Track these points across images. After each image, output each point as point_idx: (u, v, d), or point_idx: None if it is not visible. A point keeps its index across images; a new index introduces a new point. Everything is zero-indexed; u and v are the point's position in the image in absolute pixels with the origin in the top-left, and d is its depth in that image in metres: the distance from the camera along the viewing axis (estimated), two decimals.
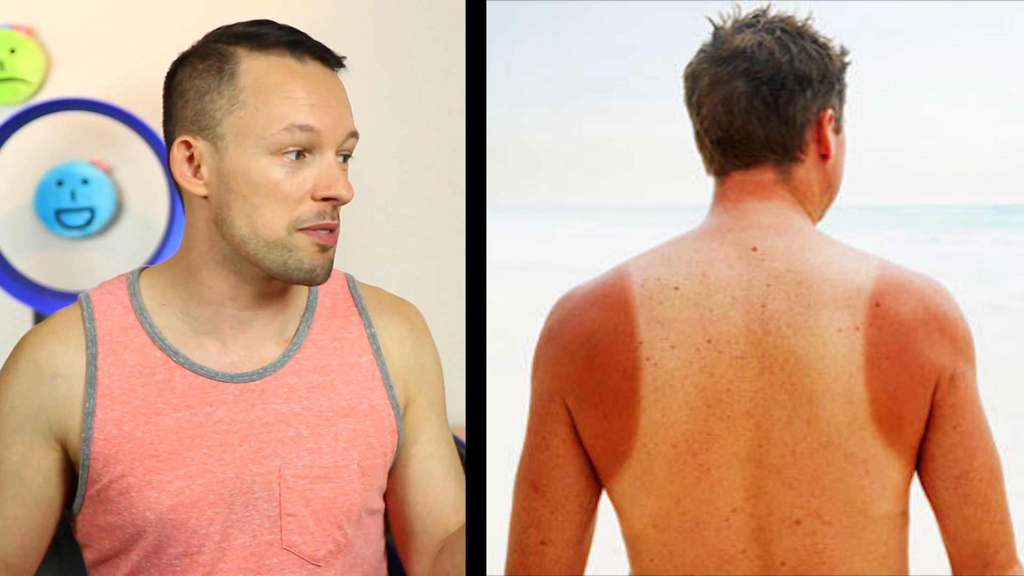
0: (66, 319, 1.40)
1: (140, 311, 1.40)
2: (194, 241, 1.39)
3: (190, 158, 1.36)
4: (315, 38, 1.40)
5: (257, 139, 1.33)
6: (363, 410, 1.44)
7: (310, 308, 1.46)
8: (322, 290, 1.48)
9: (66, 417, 1.37)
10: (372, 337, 1.48)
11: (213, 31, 1.39)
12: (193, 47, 1.39)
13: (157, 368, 1.38)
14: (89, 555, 1.43)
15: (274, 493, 1.38)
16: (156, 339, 1.39)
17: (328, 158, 1.35)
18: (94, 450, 1.36)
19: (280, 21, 1.41)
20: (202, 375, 1.39)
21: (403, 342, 1.50)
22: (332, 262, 1.38)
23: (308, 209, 1.34)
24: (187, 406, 1.37)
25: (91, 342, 1.38)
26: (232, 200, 1.34)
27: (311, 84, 1.35)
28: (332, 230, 1.36)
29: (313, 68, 1.37)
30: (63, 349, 1.38)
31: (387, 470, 1.48)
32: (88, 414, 1.36)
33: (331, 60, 1.39)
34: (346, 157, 1.38)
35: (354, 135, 1.38)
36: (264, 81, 1.34)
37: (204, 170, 1.35)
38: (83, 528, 1.41)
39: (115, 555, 1.40)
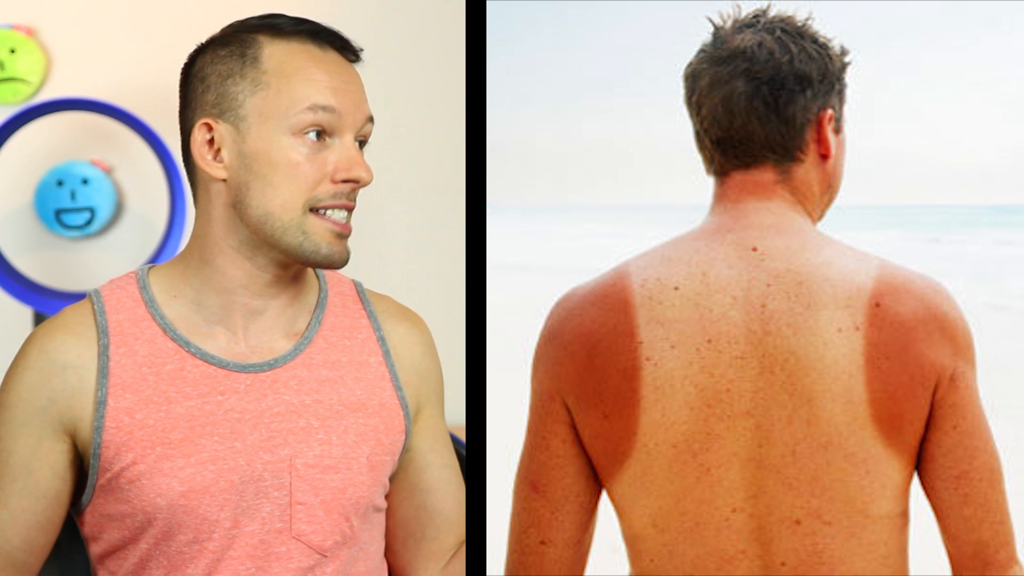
0: (77, 313, 1.41)
1: (150, 303, 1.41)
2: (209, 227, 1.40)
3: (210, 141, 1.39)
4: None
5: (279, 119, 1.36)
6: (373, 407, 1.45)
7: (321, 304, 1.47)
8: (332, 289, 1.50)
9: (77, 407, 1.38)
10: (381, 340, 1.49)
11: (231, 24, 1.43)
12: (212, 37, 1.43)
13: (168, 358, 1.39)
14: (96, 548, 1.43)
15: (285, 482, 1.39)
16: (167, 330, 1.40)
17: (347, 141, 1.38)
18: (105, 438, 1.36)
19: None
20: (213, 364, 1.40)
21: (413, 349, 1.52)
22: (348, 250, 1.40)
23: (325, 190, 1.37)
24: (198, 395, 1.38)
25: (103, 333, 1.39)
26: (252, 181, 1.37)
27: (332, 68, 1.39)
28: (350, 210, 1.39)
29: (333, 55, 1.41)
30: (74, 341, 1.39)
31: (393, 469, 1.48)
32: (100, 403, 1.37)
33: (349, 51, 1.43)
34: (362, 144, 1.42)
35: (371, 120, 1.41)
36: (287, 64, 1.38)
37: (224, 153, 1.38)
38: (91, 520, 1.42)
39: (124, 545, 1.40)
